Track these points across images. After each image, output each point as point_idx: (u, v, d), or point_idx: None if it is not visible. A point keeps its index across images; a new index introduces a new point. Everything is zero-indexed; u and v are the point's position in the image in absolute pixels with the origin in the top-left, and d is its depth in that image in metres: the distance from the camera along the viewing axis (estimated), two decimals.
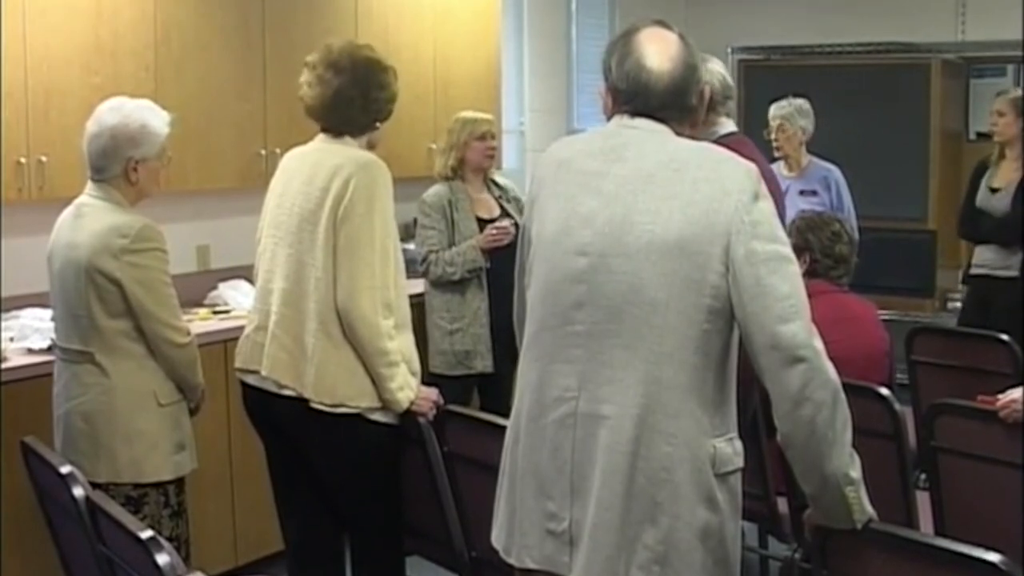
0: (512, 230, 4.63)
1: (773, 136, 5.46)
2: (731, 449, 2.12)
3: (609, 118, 2.25)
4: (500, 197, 4.88)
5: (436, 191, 4.71)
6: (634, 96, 2.17)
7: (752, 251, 2.01)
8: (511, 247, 4.69)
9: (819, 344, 2.02)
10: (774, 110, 5.50)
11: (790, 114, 5.46)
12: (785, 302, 2.00)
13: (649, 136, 2.15)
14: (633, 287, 2.05)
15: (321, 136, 3.23)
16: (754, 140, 3.24)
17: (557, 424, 2.14)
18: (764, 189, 2.09)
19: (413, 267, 4.38)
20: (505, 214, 4.79)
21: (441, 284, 4.64)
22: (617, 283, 2.07)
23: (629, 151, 2.14)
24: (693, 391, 2.05)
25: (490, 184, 4.88)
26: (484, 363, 4.64)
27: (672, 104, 2.16)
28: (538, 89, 7.17)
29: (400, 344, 3.07)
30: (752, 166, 2.11)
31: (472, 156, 4.71)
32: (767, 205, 2.07)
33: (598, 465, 2.08)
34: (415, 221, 5.14)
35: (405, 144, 5.31)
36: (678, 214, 2.04)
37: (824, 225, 3.73)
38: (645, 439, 2.05)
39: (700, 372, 2.06)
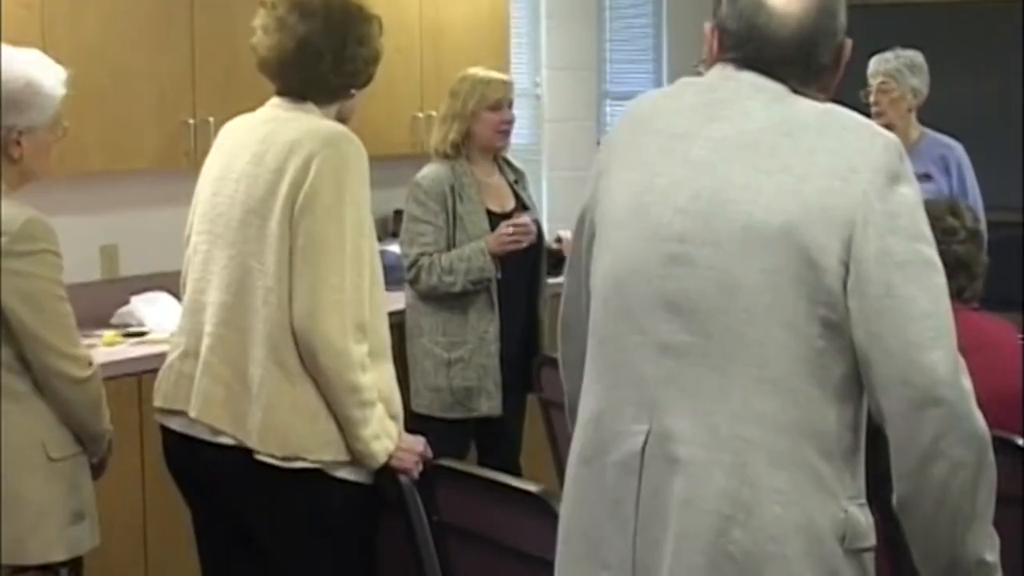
0: (534, 228, 4.62)
1: (872, 99, 5.46)
2: (865, 518, 2.09)
3: (710, 67, 2.25)
4: (516, 183, 4.86)
5: (434, 173, 4.67)
6: (745, 42, 2.16)
7: (886, 249, 2.00)
8: (530, 251, 4.74)
9: (967, 383, 2.01)
10: (876, 64, 5.50)
11: (897, 70, 5.46)
12: (924, 322, 1.99)
13: (757, 92, 2.15)
14: (723, 287, 2.05)
15: (276, 101, 3.24)
16: (846, 105, 3.21)
17: (618, 467, 2.13)
18: (908, 170, 2.08)
19: (393, 275, 4.36)
20: (522, 206, 4.78)
21: (435, 298, 4.62)
22: (703, 280, 2.07)
23: (729, 108, 2.14)
24: (808, 432, 2.04)
25: (502, 165, 4.87)
26: (491, 404, 4.64)
27: (795, 59, 2.16)
28: (559, 40, 7.19)
29: (376, 378, 3.07)
30: (894, 137, 2.11)
31: (481, 131, 4.69)
32: (911, 191, 2.07)
33: (671, 527, 2.07)
34: (396, 215, 5.13)
35: (382, 112, 5.31)
36: (787, 193, 2.03)
37: (932, 220, 3.60)
38: (743, 496, 2.03)
39: (817, 406, 2.04)
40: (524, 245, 4.57)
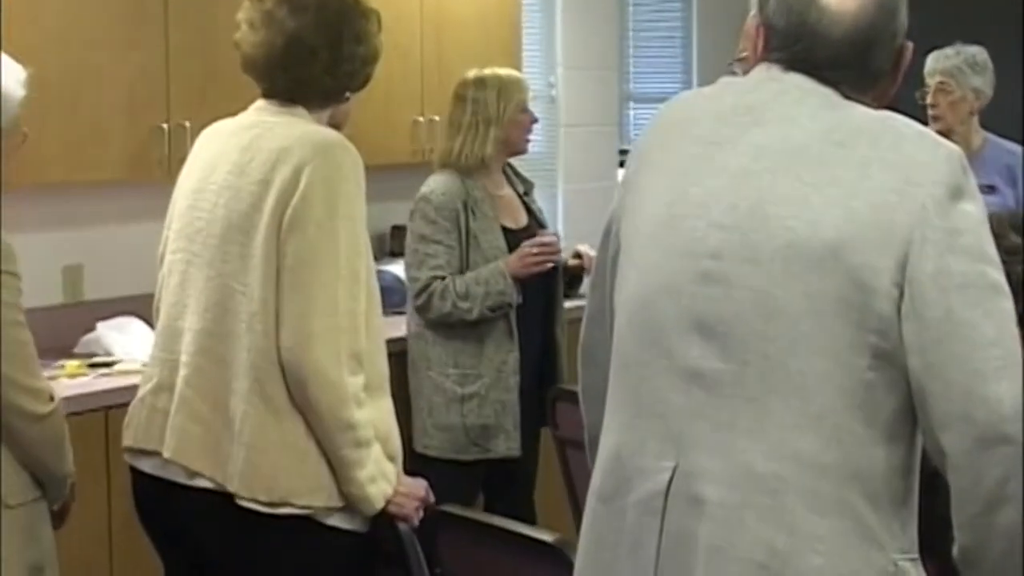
0: (560, 247, 4.62)
1: (930, 100, 5.48)
2: (917, 574, 2.09)
3: (754, 67, 2.26)
4: (525, 195, 4.86)
5: (443, 186, 4.65)
6: (794, 41, 2.18)
7: (945, 270, 2.01)
8: (552, 274, 4.73)
9: None
10: (933, 62, 5.52)
11: (957, 68, 5.48)
12: (989, 351, 1.99)
13: (804, 96, 2.16)
14: (762, 309, 2.06)
15: (261, 103, 3.25)
16: (899, 110, 3.22)
17: (640, 508, 2.14)
18: (972, 184, 2.09)
19: (392, 298, 4.35)
20: (537, 223, 4.78)
21: (446, 326, 4.62)
22: (739, 302, 2.08)
23: (772, 111, 2.16)
24: (853, 475, 2.04)
25: (511, 176, 4.88)
26: (509, 444, 4.64)
27: (849, 61, 2.17)
28: (577, 36, 7.19)
29: (373, 414, 3.07)
30: (957, 149, 2.11)
31: (516, 136, 4.72)
32: (974, 208, 2.07)
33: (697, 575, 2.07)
34: (394, 231, 5.12)
35: (380, 117, 5.32)
36: (836, 208, 2.04)
37: (995, 237, 3.62)
38: (779, 543, 2.03)
39: (864, 448, 2.05)
40: (550, 267, 4.57)
